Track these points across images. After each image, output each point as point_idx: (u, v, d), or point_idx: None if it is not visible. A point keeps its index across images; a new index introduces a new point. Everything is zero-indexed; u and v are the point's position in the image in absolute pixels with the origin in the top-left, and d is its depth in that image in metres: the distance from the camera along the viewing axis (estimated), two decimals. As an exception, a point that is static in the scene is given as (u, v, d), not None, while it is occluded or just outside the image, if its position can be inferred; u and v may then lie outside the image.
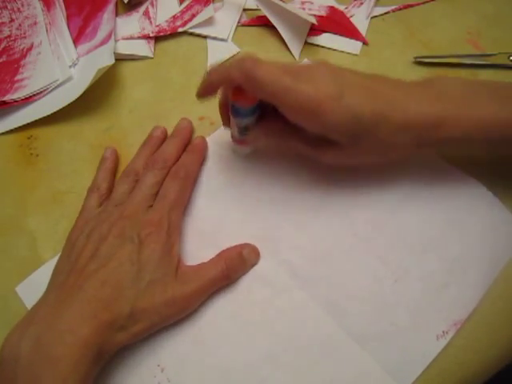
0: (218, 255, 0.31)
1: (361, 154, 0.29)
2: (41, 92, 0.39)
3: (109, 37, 0.40)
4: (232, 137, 0.34)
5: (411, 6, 0.42)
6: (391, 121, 0.27)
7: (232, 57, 0.41)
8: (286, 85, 0.26)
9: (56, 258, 0.31)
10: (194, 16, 0.42)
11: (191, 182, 0.34)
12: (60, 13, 0.43)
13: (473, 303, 0.29)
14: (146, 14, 0.43)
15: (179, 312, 0.29)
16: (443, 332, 0.29)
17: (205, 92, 0.30)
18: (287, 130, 0.30)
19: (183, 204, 0.33)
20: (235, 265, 0.31)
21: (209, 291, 0.30)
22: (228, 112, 0.32)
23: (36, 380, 0.23)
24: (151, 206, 0.31)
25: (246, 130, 0.31)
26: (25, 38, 0.42)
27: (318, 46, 0.41)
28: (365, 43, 0.40)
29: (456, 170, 0.33)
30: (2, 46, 0.42)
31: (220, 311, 0.30)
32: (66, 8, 0.44)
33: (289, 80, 0.26)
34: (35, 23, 0.43)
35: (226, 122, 0.33)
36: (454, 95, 0.28)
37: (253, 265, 0.32)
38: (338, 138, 0.28)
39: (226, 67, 0.27)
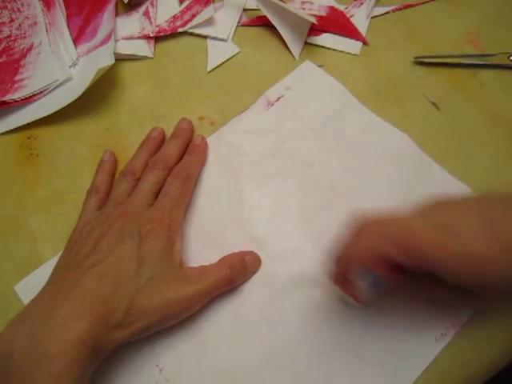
0: (221, 260, 0.31)
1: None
2: (41, 92, 0.39)
3: (109, 37, 0.40)
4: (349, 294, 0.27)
5: (411, 5, 0.42)
6: None
7: (232, 57, 0.41)
8: (452, 251, 0.22)
9: (56, 258, 0.32)
10: (194, 16, 0.42)
11: (192, 181, 0.34)
12: (60, 13, 0.43)
13: None
14: (146, 14, 0.43)
15: (179, 313, 0.28)
16: (442, 334, 0.29)
17: (340, 276, 0.26)
18: (425, 282, 0.27)
19: (185, 203, 0.33)
20: (238, 270, 0.31)
21: (211, 294, 0.30)
22: (346, 281, 0.26)
23: (29, 378, 0.23)
24: (152, 204, 0.31)
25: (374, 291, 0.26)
26: (25, 37, 0.42)
27: (317, 46, 0.41)
28: (365, 43, 0.40)
29: (453, 179, 0.33)
30: (2, 46, 0.42)
31: (219, 312, 0.30)
32: (66, 8, 0.44)
33: (452, 243, 0.22)
34: (35, 23, 0.43)
35: (346, 289, 0.27)
36: None
37: (254, 272, 0.31)
38: (494, 291, 0.25)
39: (366, 242, 0.24)
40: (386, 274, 0.24)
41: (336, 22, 0.41)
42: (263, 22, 0.42)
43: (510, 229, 0.23)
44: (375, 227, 0.24)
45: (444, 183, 0.33)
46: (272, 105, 0.37)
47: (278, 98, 0.38)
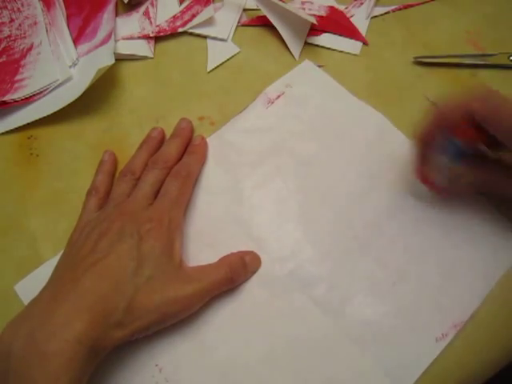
0: (221, 260, 0.31)
1: None
2: (41, 92, 0.39)
3: (109, 37, 0.40)
4: (427, 182, 0.30)
5: (411, 5, 0.42)
6: None
7: (232, 57, 0.41)
8: None
9: (56, 258, 0.31)
10: (194, 16, 0.42)
11: (192, 181, 0.34)
12: (60, 13, 0.43)
13: (473, 305, 0.29)
14: (146, 14, 0.43)
15: (179, 312, 0.28)
16: (442, 334, 0.29)
17: (432, 127, 0.28)
18: (505, 175, 0.28)
19: (184, 202, 0.33)
20: (238, 270, 0.31)
21: (211, 294, 0.30)
22: (427, 152, 0.28)
23: (27, 378, 0.23)
24: (152, 204, 0.31)
25: (456, 176, 0.28)
26: (25, 37, 0.42)
27: (317, 46, 0.41)
28: (365, 43, 0.40)
29: None
30: (2, 45, 0.42)
31: (219, 311, 0.30)
32: (66, 8, 0.44)
33: None
34: (35, 23, 0.43)
35: (420, 167, 0.30)
36: None
37: (253, 272, 0.31)
38: None
39: (462, 101, 0.26)
40: (469, 135, 0.26)
41: (336, 22, 0.41)
42: (263, 22, 0.42)
43: None
44: (474, 96, 0.26)
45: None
46: (272, 102, 0.37)
47: (278, 96, 0.38)
